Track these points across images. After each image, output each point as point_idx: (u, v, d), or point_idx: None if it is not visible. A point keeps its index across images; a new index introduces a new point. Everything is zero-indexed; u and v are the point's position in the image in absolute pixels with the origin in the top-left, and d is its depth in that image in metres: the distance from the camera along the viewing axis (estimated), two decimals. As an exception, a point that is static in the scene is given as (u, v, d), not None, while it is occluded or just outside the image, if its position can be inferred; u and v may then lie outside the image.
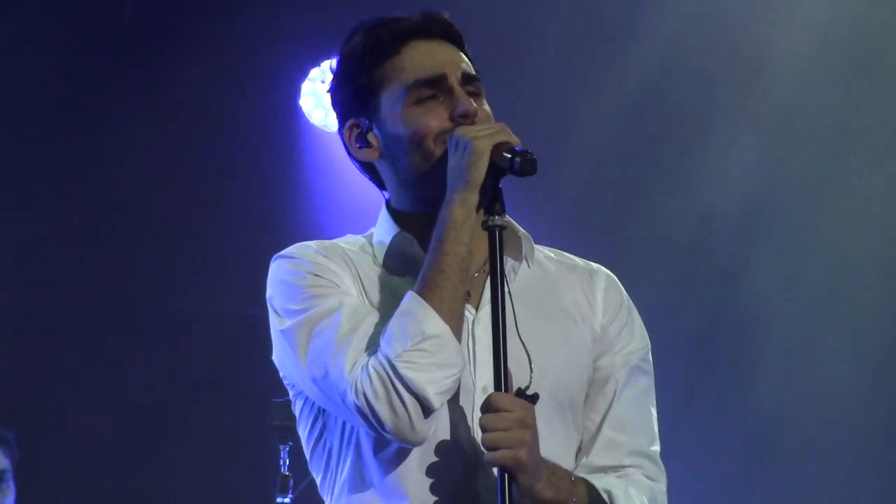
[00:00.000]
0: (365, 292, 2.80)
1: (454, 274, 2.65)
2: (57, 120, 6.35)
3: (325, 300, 2.74)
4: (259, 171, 6.47)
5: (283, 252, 2.86)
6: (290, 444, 5.59)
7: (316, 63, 6.46)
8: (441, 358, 2.61)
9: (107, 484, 6.27)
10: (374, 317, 2.71)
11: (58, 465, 6.24)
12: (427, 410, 2.61)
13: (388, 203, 2.91)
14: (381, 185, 2.93)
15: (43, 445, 6.21)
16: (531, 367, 2.68)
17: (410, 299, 2.64)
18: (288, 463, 5.59)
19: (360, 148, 2.89)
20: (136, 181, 6.38)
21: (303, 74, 6.47)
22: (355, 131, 2.89)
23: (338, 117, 2.95)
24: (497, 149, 2.67)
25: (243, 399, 6.17)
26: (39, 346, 6.30)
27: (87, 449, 6.23)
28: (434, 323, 2.61)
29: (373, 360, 2.62)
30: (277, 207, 6.48)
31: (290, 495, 5.57)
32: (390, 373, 2.60)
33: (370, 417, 2.62)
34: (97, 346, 6.32)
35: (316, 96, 6.45)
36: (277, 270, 2.83)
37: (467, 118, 2.78)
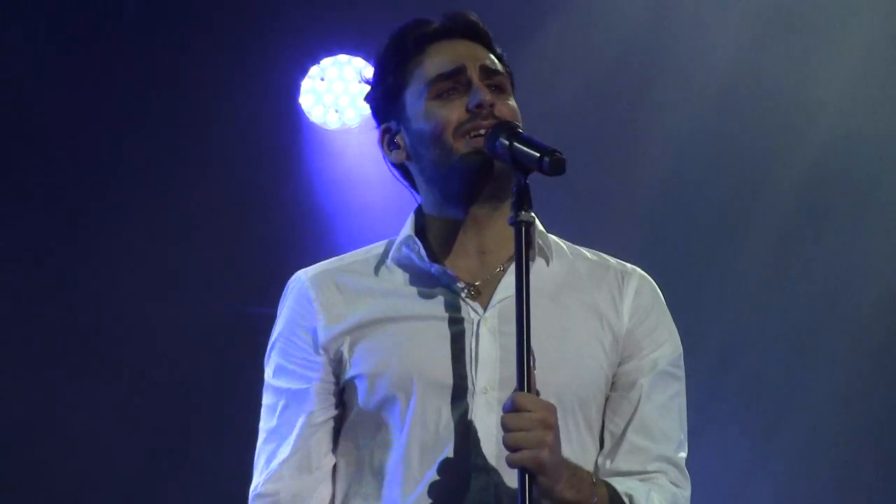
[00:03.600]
0: (370, 306, 2.85)
1: None
2: (53, 118, 6.33)
3: (283, 382, 2.94)
4: (258, 169, 6.45)
5: (297, 275, 3.02)
6: (289, 442, 5.57)
7: (315, 60, 6.44)
8: None
9: (101, 484, 6.26)
10: (311, 448, 2.90)
11: (53, 466, 6.22)
12: None
13: (419, 208, 2.96)
14: (415, 188, 2.99)
15: (39, 446, 6.20)
16: (534, 367, 2.65)
17: None
18: (286, 462, 5.57)
19: (391, 151, 2.95)
20: (133, 179, 6.36)
21: (302, 72, 6.45)
22: (387, 136, 2.95)
23: (375, 125, 3.01)
24: (518, 138, 2.70)
25: (240, 399, 6.14)
26: (35, 347, 6.28)
27: (81, 450, 6.21)
28: None
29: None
30: (276, 205, 6.46)
31: (288, 494, 5.56)
32: None
33: None
34: (93, 345, 6.31)
35: (316, 94, 6.43)
36: (283, 298, 3.02)
37: (481, 108, 2.79)
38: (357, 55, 6.43)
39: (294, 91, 6.45)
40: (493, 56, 2.90)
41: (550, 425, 2.57)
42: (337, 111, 6.44)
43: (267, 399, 3.00)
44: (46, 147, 6.34)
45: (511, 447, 2.56)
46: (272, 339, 3.00)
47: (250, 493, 2.96)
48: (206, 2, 6.42)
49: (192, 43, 6.38)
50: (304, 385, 2.91)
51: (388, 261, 2.90)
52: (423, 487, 2.71)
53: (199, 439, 6.29)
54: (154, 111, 6.38)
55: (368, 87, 2.98)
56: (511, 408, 2.57)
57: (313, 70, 6.45)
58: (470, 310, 2.80)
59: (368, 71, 3.02)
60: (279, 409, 2.94)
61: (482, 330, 2.77)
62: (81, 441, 6.20)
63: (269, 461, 2.90)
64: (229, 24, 6.39)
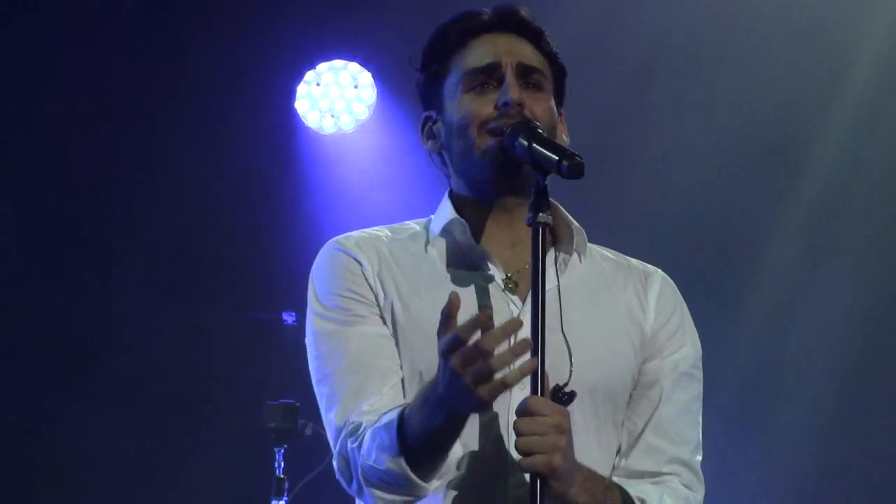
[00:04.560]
0: (413, 287, 2.83)
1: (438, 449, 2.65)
2: (48, 124, 6.33)
3: (345, 323, 2.81)
4: (254, 174, 6.45)
5: (334, 239, 2.91)
6: (286, 446, 5.58)
7: (311, 65, 6.45)
8: (406, 492, 2.65)
9: (100, 485, 6.26)
10: (383, 346, 2.77)
11: (49, 465, 6.23)
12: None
13: (451, 190, 2.94)
14: (449, 177, 2.97)
15: (36, 446, 6.21)
16: (571, 363, 2.68)
17: (403, 460, 2.63)
18: (283, 466, 5.59)
19: (427, 139, 2.94)
20: (129, 183, 6.37)
21: (298, 77, 6.45)
22: (427, 124, 2.94)
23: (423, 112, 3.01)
24: (538, 139, 2.68)
25: (239, 402, 6.17)
26: (33, 349, 6.29)
27: (80, 451, 6.22)
28: (408, 474, 2.62)
29: (352, 445, 2.70)
30: (272, 211, 6.47)
31: (286, 498, 5.57)
32: (360, 469, 2.68)
33: (338, 473, 2.75)
34: (90, 347, 6.31)
35: (311, 99, 6.43)
36: (321, 259, 2.90)
37: (508, 107, 2.79)
38: (353, 60, 6.44)
39: (290, 96, 6.46)
40: (539, 53, 2.89)
41: (563, 430, 2.54)
42: (333, 116, 6.44)
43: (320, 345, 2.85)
44: (41, 151, 6.35)
45: (524, 451, 2.53)
46: (316, 301, 2.86)
47: (338, 423, 2.74)
48: (201, 7, 6.43)
49: (187, 48, 6.38)
50: (368, 315, 2.84)
51: (430, 240, 2.88)
52: (459, 479, 2.71)
53: (193, 438, 6.30)
54: (150, 116, 6.38)
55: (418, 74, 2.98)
56: (524, 412, 2.55)
57: (309, 75, 6.45)
58: (509, 302, 2.79)
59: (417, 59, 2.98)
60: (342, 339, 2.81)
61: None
62: (79, 440, 6.22)
63: (346, 394, 2.76)
64: (225, 30, 6.39)
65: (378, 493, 2.67)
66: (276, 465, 5.60)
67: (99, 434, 6.24)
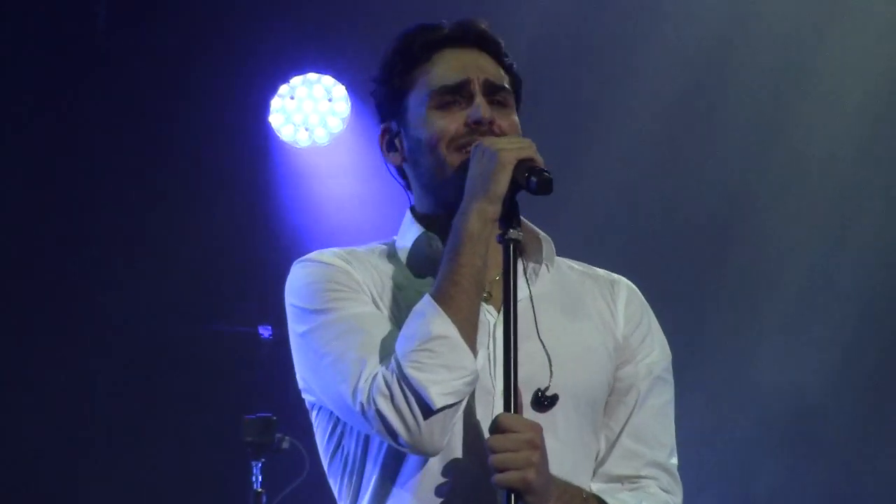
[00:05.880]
0: (391, 296, 2.82)
1: (469, 286, 2.65)
2: (19, 137, 6.32)
3: (344, 306, 2.76)
4: (229, 188, 6.45)
5: (303, 257, 2.87)
6: (263, 460, 5.58)
7: (285, 79, 6.45)
8: (449, 359, 2.60)
9: (80, 498, 6.25)
10: (389, 325, 2.73)
11: (24, 479, 6.21)
12: (428, 411, 2.58)
13: (412, 208, 2.94)
14: (409, 189, 2.96)
15: (14, 455, 6.19)
16: (551, 369, 2.71)
17: (423, 301, 2.66)
18: (260, 479, 5.58)
19: (388, 152, 2.93)
20: (102, 197, 6.37)
21: (272, 91, 6.45)
22: (386, 136, 2.93)
23: (377, 122, 2.99)
24: (520, 164, 2.68)
25: (216, 415, 6.16)
26: (11, 356, 6.27)
27: (57, 464, 6.20)
28: (442, 324, 2.61)
29: (386, 363, 2.63)
30: (248, 225, 6.46)
31: (263, 511, 5.57)
32: (396, 373, 2.60)
33: (379, 422, 2.62)
34: (68, 360, 6.30)
35: (285, 112, 6.43)
36: (297, 274, 2.85)
37: (480, 125, 2.80)
38: (327, 73, 6.45)
39: (263, 110, 6.46)
40: (500, 68, 2.90)
41: (537, 445, 2.57)
42: (307, 129, 6.45)
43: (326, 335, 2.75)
44: (13, 167, 6.35)
45: (498, 468, 2.56)
46: (300, 309, 2.80)
47: (353, 383, 2.64)
48: (173, 23, 6.43)
49: (159, 64, 6.39)
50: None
51: (399, 255, 2.88)
52: (442, 483, 2.71)
53: (170, 451, 6.30)
54: (122, 131, 6.38)
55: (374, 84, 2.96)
56: (496, 429, 2.58)
57: (283, 89, 6.45)
58: (485, 312, 2.79)
59: (374, 69, 2.96)
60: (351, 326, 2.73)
61: (498, 333, 2.74)
62: (58, 451, 6.21)
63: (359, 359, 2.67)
64: (197, 44, 6.39)
65: (432, 387, 2.57)
66: (254, 478, 5.59)
67: (77, 446, 6.23)
